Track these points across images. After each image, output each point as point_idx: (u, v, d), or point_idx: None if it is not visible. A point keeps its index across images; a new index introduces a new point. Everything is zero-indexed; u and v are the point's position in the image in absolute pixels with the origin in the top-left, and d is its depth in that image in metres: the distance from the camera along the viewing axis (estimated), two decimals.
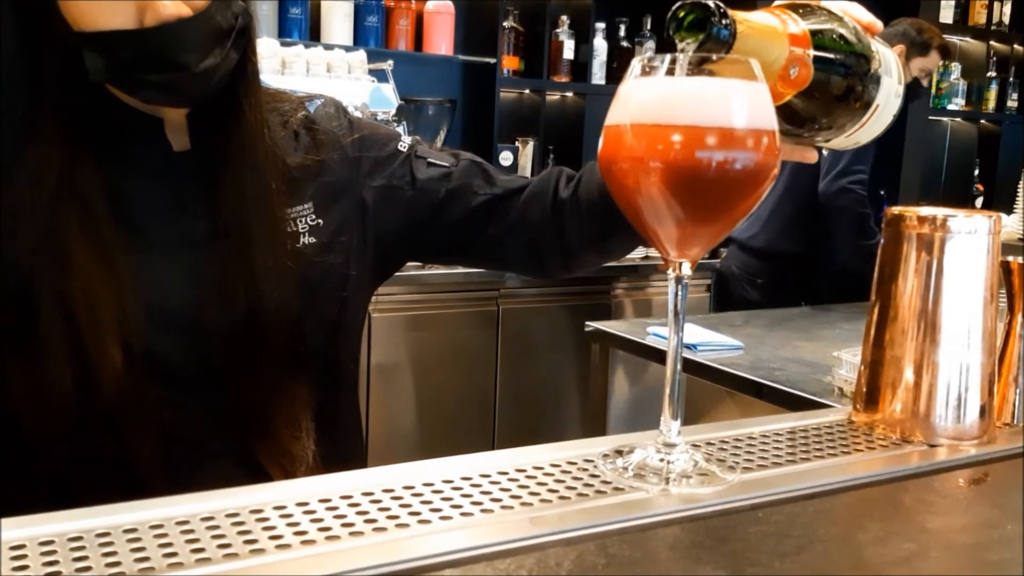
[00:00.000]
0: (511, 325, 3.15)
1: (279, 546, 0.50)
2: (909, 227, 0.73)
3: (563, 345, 3.23)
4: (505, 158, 3.53)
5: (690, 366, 2.06)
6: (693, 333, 2.18)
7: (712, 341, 2.13)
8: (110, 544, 0.50)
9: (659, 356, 2.16)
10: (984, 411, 0.73)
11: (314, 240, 0.89)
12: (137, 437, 0.81)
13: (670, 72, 0.58)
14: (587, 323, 2.40)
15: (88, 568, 0.47)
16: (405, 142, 0.98)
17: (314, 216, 0.89)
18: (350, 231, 0.92)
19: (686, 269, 0.62)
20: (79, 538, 0.50)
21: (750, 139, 0.57)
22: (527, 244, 0.96)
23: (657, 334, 2.21)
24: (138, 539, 0.50)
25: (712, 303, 3.14)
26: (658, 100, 0.58)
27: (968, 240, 0.71)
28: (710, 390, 2.13)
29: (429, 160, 0.97)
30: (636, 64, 0.60)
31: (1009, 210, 3.77)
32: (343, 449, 0.95)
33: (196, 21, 0.76)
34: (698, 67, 0.58)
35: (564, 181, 0.95)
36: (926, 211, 0.72)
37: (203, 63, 0.77)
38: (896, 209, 0.74)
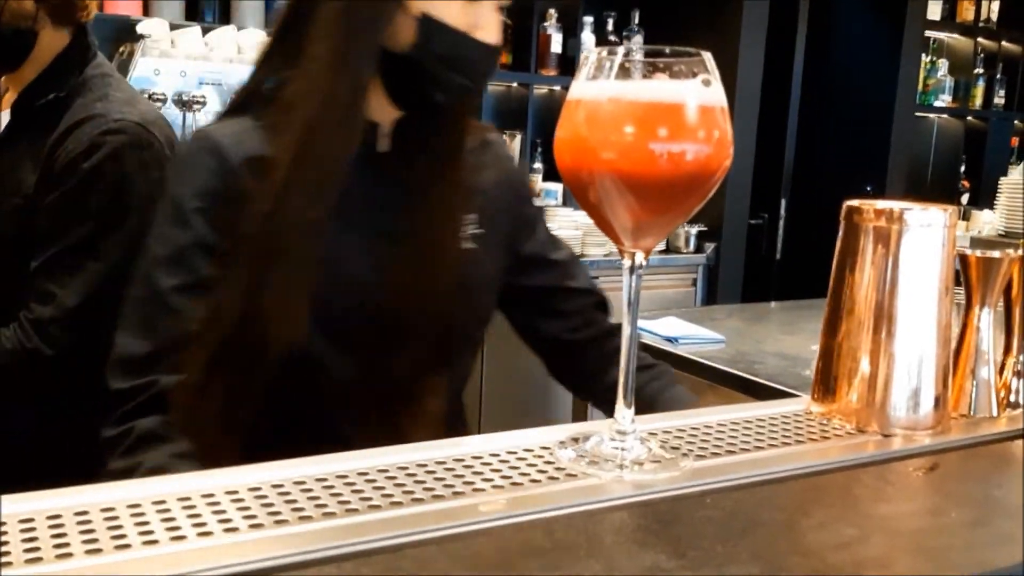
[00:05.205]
0: (498, 321, 3.15)
1: (176, 538, 0.51)
2: (866, 220, 0.73)
3: None
4: None
5: (671, 359, 2.06)
6: (675, 326, 2.19)
7: (693, 334, 2.14)
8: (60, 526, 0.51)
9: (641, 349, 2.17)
10: (938, 402, 0.74)
11: (476, 246, 0.99)
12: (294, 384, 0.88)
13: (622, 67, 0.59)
14: None
15: (37, 548, 0.48)
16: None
17: (477, 226, 1.00)
18: (500, 246, 1.04)
19: (640, 259, 0.63)
20: (30, 520, 0.51)
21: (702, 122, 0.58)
22: (561, 362, 1.15)
23: (641, 328, 2.22)
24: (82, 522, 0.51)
25: None
26: (612, 89, 0.59)
27: (924, 233, 0.72)
28: (692, 383, 2.13)
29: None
30: (592, 55, 0.61)
31: (993, 207, 3.78)
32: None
33: (497, 53, 0.93)
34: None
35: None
36: (883, 204, 0.73)
37: (484, 86, 0.91)
38: (854, 202, 0.75)
